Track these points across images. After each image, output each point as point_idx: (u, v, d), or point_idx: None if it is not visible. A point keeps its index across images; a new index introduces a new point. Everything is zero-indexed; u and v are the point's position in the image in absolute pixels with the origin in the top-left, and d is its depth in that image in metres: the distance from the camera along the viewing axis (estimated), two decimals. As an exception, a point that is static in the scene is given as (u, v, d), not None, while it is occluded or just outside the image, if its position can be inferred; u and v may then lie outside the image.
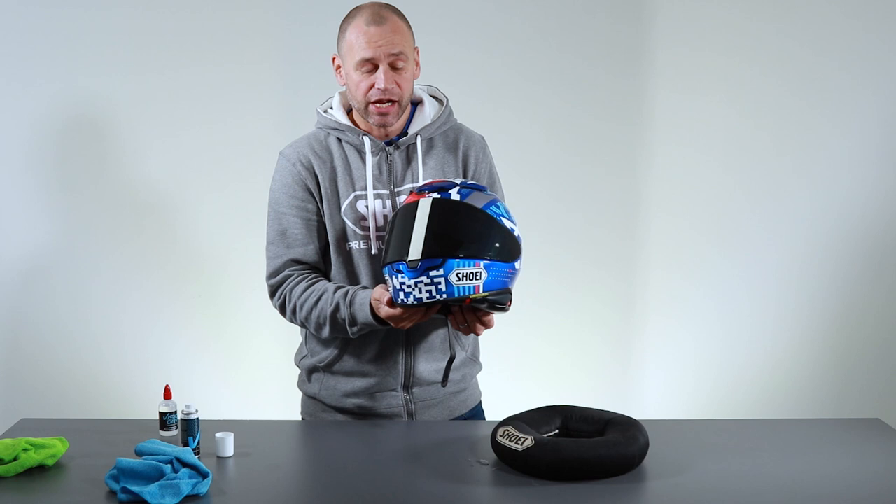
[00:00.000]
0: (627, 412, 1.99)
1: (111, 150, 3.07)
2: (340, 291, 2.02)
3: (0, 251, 3.05)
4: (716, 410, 3.21)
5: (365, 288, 2.03)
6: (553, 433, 1.92)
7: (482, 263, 1.84)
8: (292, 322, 2.12)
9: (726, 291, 3.24)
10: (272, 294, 2.12)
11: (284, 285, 2.09)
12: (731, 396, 3.26)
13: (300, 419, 2.24)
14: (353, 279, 2.09)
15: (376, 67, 2.00)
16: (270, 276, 2.11)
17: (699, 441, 1.99)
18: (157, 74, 3.03)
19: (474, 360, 2.24)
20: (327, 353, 2.14)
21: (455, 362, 2.14)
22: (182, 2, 3.02)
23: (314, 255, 2.10)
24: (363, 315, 1.98)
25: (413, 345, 2.11)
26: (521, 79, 3.02)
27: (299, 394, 2.25)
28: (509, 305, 1.92)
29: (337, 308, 2.01)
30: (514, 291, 1.93)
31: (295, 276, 2.08)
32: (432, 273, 1.83)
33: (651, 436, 1.85)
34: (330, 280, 2.11)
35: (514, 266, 1.90)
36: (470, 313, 1.94)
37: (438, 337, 2.14)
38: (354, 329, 2.02)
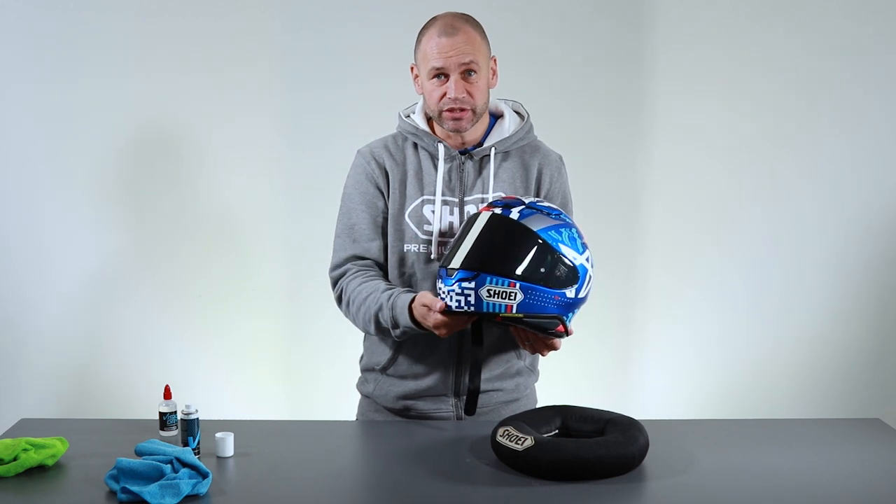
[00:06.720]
0: (627, 412, 1.99)
1: (107, 152, 3.07)
2: (387, 292, 2.02)
3: None
4: (716, 410, 3.21)
5: (410, 291, 2.03)
6: (553, 433, 1.92)
7: (518, 284, 1.84)
8: (346, 317, 2.14)
9: (726, 291, 3.24)
10: (333, 286, 2.15)
11: (343, 279, 2.12)
12: (731, 396, 3.25)
13: (355, 419, 2.26)
14: (406, 281, 2.11)
15: (448, 77, 2.02)
16: (333, 268, 2.15)
17: (699, 441, 1.99)
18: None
19: (531, 370, 2.24)
20: (382, 356, 2.16)
21: (510, 371, 2.17)
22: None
23: (377, 253, 2.12)
24: (403, 319, 1.98)
25: (465, 353, 2.11)
26: (520, 80, 3.00)
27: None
28: (565, 331, 1.91)
29: (380, 308, 2.02)
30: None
31: (353, 269, 2.11)
32: (464, 284, 1.84)
33: (651, 436, 1.85)
34: (387, 279, 2.13)
35: (564, 294, 1.88)
36: (533, 334, 1.94)
37: (493, 349, 2.14)
38: (397, 332, 2.02)
